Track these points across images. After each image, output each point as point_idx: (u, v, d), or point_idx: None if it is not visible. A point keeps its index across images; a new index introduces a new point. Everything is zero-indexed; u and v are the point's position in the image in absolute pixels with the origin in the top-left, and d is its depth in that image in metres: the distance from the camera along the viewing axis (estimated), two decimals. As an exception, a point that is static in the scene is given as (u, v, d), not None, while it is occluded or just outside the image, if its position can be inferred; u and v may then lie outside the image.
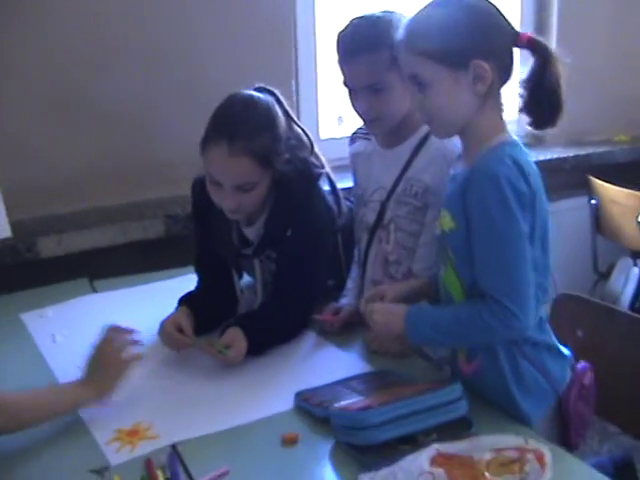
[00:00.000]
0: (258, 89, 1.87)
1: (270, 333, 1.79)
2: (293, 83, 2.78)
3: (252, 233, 1.92)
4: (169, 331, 1.79)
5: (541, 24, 3.43)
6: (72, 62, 2.39)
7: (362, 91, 1.78)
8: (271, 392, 1.64)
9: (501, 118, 1.52)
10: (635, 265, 3.28)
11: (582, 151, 3.38)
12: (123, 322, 1.95)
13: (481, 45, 1.45)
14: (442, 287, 1.58)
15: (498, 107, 1.51)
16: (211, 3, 2.56)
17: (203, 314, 1.86)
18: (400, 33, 1.52)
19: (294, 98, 2.76)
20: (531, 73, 1.48)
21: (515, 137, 1.51)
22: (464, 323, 1.47)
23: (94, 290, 2.24)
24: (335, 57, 1.80)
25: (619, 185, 3.25)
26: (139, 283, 2.26)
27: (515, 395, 1.51)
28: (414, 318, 1.53)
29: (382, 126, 1.84)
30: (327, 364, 1.75)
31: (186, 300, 1.90)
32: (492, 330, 1.44)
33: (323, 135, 2.93)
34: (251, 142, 1.73)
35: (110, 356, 1.58)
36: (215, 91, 2.52)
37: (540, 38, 1.49)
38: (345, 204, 2.01)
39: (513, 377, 1.51)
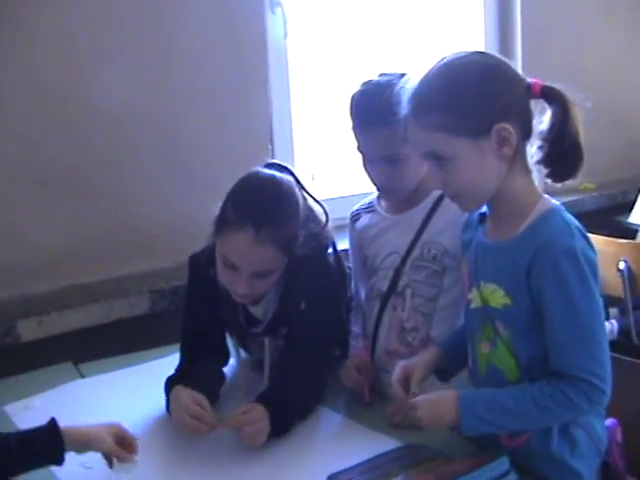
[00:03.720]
0: (273, 166, 1.81)
1: (292, 411, 1.69)
2: (269, 147, 2.72)
3: (258, 311, 1.84)
4: (198, 412, 1.61)
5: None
6: (49, 133, 2.28)
7: (378, 161, 1.73)
8: (301, 476, 1.54)
9: (531, 180, 1.43)
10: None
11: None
12: (115, 410, 1.84)
13: (499, 106, 1.36)
14: (483, 364, 1.48)
15: (526, 167, 1.42)
16: (182, 71, 2.50)
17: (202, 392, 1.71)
18: (404, 107, 1.41)
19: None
20: (551, 124, 1.38)
21: (552, 199, 1.43)
22: (543, 405, 1.35)
23: (81, 375, 2.10)
24: (347, 120, 1.75)
25: (591, 232, 3.25)
26: (127, 364, 2.13)
27: (567, 461, 1.43)
28: (470, 404, 1.40)
29: (397, 195, 1.80)
30: (353, 442, 1.64)
31: (181, 380, 1.75)
32: (580, 410, 1.36)
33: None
34: (278, 230, 1.66)
35: None
36: (193, 162, 2.50)
37: (553, 85, 1.40)
38: (348, 273, 1.96)
39: (566, 444, 1.43)
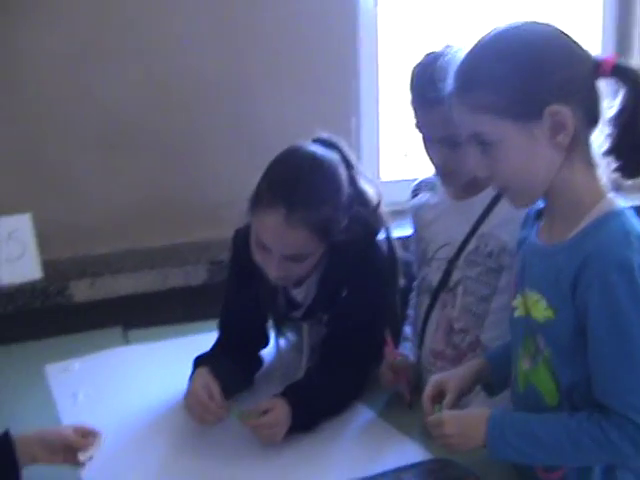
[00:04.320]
0: (320, 141, 1.66)
1: (319, 411, 1.56)
2: (353, 120, 2.58)
3: (300, 294, 1.72)
4: (204, 401, 1.52)
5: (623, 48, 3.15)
6: (119, 98, 2.23)
7: (437, 142, 1.57)
8: (316, 477, 1.42)
9: (595, 175, 1.21)
10: None
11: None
12: (150, 381, 1.80)
13: (554, 85, 1.15)
14: (522, 381, 1.30)
15: (589, 160, 1.20)
16: (264, 35, 2.39)
17: (226, 378, 1.60)
18: (449, 83, 1.23)
19: (353, 136, 2.55)
20: (622, 108, 1.17)
21: (619, 200, 1.21)
22: (579, 442, 1.16)
23: (127, 341, 2.05)
24: (406, 94, 1.59)
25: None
26: (177, 335, 2.06)
27: None
28: (500, 428, 1.23)
29: (457, 180, 1.63)
30: (380, 447, 1.51)
31: (207, 361, 1.65)
32: (622, 455, 1.15)
33: (384, 175, 2.73)
34: (312, 213, 1.52)
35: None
36: (269, 129, 2.39)
37: (628, 64, 1.18)
38: (401, 260, 1.78)
39: None
